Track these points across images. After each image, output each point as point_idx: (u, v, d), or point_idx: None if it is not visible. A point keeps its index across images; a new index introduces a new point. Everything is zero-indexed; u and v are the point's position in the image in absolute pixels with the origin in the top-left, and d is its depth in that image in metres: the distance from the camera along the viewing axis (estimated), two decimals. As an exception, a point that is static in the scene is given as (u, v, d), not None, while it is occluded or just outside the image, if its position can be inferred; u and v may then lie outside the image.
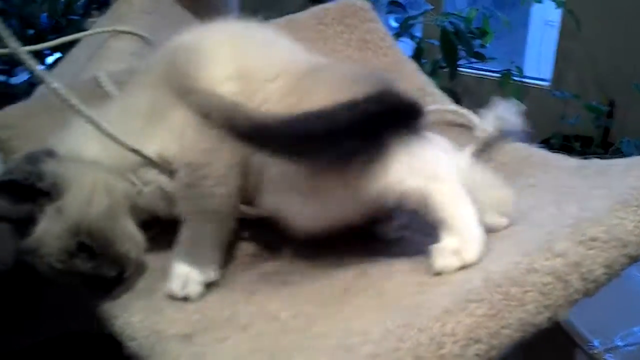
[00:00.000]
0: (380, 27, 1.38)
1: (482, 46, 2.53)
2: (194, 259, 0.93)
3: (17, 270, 1.18)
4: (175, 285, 0.91)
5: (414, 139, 0.86)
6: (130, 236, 0.96)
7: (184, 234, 0.95)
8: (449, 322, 0.72)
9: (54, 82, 0.85)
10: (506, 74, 2.53)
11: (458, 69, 2.45)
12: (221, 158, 0.92)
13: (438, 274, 0.84)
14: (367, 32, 1.37)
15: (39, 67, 0.86)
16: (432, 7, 2.59)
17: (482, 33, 2.51)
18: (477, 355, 0.71)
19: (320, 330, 0.81)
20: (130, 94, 1.03)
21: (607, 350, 1.33)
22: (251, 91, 0.95)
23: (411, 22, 2.50)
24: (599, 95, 2.59)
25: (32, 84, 2.64)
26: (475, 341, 0.71)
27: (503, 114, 1.12)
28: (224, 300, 0.91)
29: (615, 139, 2.45)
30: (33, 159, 0.90)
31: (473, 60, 2.54)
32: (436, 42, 2.47)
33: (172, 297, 0.91)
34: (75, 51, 1.69)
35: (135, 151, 0.93)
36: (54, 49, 2.58)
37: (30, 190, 0.89)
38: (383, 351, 0.70)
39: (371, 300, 0.84)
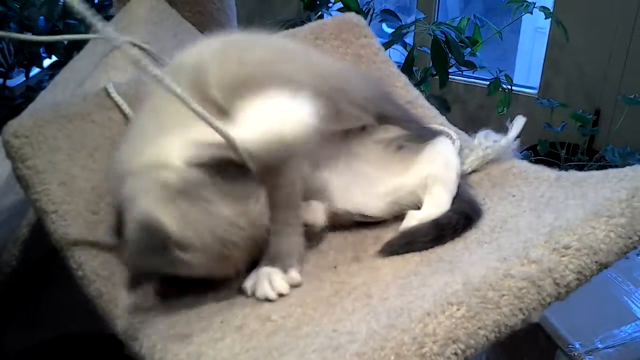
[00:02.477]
0: (374, 42, 1.43)
1: (472, 54, 2.57)
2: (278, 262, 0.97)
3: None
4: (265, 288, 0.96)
5: None
6: None
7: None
8: (430, 323, 0.77)
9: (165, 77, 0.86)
10: (495, 83, 2.58)
11: (449, 77, 2.49)
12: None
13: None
14: (362, 47, 1.42)
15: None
16: (425, 15, 2.64)
17: (473, 42, 2.56)
18: (455, 354, 0.76)
19: (309, 330, 0.86)
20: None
21: (587, 353, 1.38)
22: None
23: (404, 30, 2.55)
24: (585, 104, 2.65)
25: (29, 87, 2.69)
26: (453, 341, 0.76)
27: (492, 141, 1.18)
28: (220, 302, 0.96)
29: (600, 146, 2.51)
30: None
31: (463, 68, 2.59)
32: (427, 50, 2.52)
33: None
34: (78, 59, 1.72)
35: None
36: (51, 51, 2.64)
37: None
38: (369, 350, 0.75)
39: (358, 303, 0.89)
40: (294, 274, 0.97)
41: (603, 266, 0.86)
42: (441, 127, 1.30)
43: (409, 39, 2.68)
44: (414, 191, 1.08)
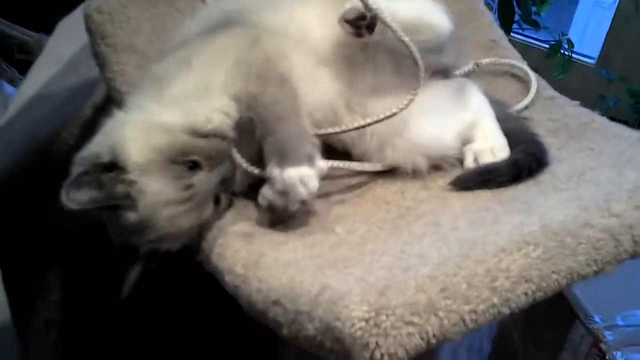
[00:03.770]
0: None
1: (537, 14, 2.51)
2: (297, 159, 0.89)
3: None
4: (298, 188, 0.88)
5: None
6: None
7: (273, 143, 0.91)
8: (505, 259, 0.76)
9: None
10: (556, 45, 2.53)
11: (511, 32, 2.44)
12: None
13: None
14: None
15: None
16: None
17: (541, 1, 2.49)
18: (525, 294, 0.75)
19: (375, 248, 0.85)
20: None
21: (607, 328, 1.34)
22: None
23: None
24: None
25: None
26: (526, 280, 0.75)
27: None
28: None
29: (650, 127, 2.46)
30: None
31: (525, 26, 2.53)
32: (493, 4, 2.46)
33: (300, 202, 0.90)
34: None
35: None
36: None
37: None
38: (441, 274, 0.74)
39: (427, 228, 0.88)
40: (320, 163, 0.91)
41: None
42: (524, 66, 1.28)
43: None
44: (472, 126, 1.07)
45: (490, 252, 0.77)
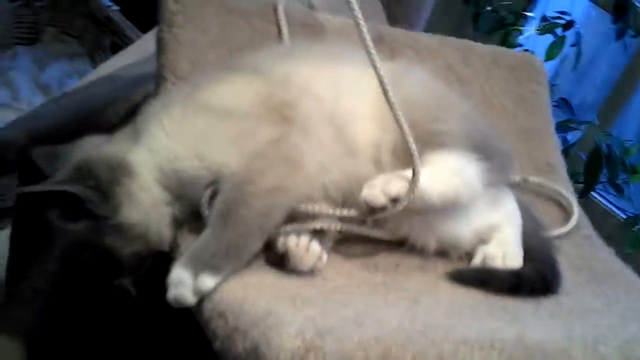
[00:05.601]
0: (544, 92, 1.37)
1: (626, 182, 2.44)
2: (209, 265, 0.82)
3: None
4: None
5: None
6: None
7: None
8: (462, 351, 0.70)
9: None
10: (632, 219, 2.43)
11: (591, 191, 2.37)
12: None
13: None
14: (532, 92, 1.36)
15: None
16: (598, 124, 2.51)
17: (633, 171, 2.42)
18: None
19: (342, 300, 0.83)
20: None
21: None
22: None
23: (571, 125, 2.44)
24: None
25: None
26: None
27: None
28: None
29: None
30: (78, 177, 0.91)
31: (610, 190, 2.46)
32: (583, 157, 2.40)
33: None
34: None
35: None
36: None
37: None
38: (389, 340, 0.69)
39: (403, 302, 0.85)
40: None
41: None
42: (570, 197, 1.24)
43: (570, 136, 2.57)
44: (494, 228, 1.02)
45: (451, 340, 0.72)
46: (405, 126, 0.85)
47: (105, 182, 0.91)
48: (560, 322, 0.85)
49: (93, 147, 0.97)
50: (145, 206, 0.93)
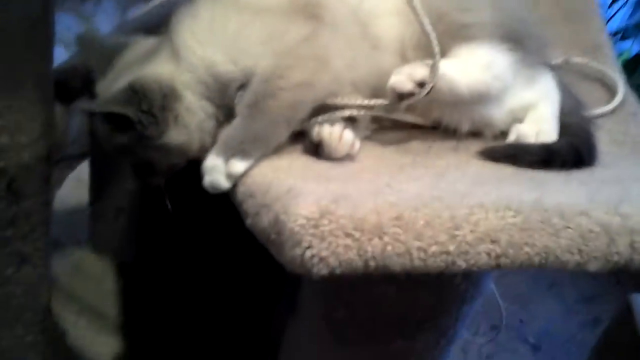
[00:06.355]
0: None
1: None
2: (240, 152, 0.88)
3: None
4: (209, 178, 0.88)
5: None
6: None
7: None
8: (477, 214, 0.73)
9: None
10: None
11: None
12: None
13: None
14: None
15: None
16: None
17: None
18: (487, 253, 0.71)
19: (367, 177, 0.86)
20: None
21: None
22: None
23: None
24: None
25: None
26: (492, 240, 0.72)
27: None
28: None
29: None
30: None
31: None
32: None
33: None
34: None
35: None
36: None
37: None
38: (402, 204, 0.73)
39: (428, 176, 0.87)
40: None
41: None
42: (615, 76, 1.20)
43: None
44: (529, 107, 1.01)
45: (466, 204, 0.74)
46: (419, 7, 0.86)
47: (157, 107, 0.96)
48: (587, 187, 0.85)
49: (142, 57, 1.02)
50: (191, 127, 0.98)
